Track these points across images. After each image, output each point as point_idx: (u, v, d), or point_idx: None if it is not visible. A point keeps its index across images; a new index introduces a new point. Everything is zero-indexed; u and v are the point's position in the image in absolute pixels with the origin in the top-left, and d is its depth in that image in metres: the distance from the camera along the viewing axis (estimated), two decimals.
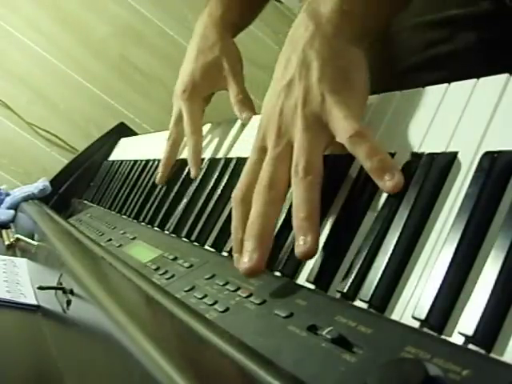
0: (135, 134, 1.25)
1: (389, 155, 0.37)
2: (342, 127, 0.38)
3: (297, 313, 0.34)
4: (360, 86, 0.42)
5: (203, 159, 0.69)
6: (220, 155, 0.68)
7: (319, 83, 0.40)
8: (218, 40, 0.74)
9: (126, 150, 1.16)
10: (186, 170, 0.71)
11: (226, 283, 0.42)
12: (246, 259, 0.39)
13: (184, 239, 0.59)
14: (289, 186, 0.41)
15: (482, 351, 0.25)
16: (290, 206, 0.44)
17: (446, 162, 0.34)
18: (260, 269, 0.39)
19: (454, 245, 0.29)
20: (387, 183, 0.36)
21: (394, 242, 0.33)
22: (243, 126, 0.67)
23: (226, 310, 0.38)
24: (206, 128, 0.76)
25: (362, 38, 0.43)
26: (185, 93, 0.75)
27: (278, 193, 0.41)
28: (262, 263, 0.39)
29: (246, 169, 0.45)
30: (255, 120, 0.65)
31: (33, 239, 0.77)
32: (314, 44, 0.42)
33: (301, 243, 0.37)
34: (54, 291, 0.50)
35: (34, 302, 0.60)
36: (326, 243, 0.38)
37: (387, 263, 0.32)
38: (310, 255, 0.37)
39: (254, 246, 0.39)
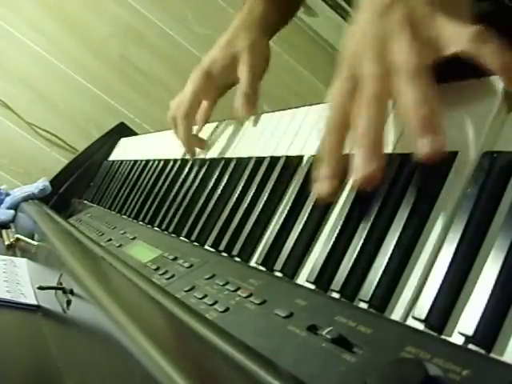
0: (135, 134, 1.25)
1: None
2: (458, 33, 0.36)
3: (297, 313, 0.34)
4: (466, 11, 0.39)
5: (203, 159, 0.69)
6: (220, 155, 0.68)
7: (426, 4, 0.38)
8: (250, 36, 0.72)
9: (126, 150, 1.16)
10: (186, 170, 0.71)
11: (226, 283, 0.42)
12: (361, 165, 0.35)
13: (184, 239, 0.59)
14: None
15: (482, 351, 0.25)
16: (290, 208, 0.44)
17: (447, 162, 0.34)
18: (380, 176, 0.35)
19: (454, 245, 0.29)
20: None
21: (394, 242, 0.33)
22: (243, 125, 0.67)
23: (226, 310, 0.38)
24: (206, 128, 0.76)
25: None
26: (197, 75, 0.73)
27: (385, 105, 0.38)
28: (382, 170, 0.35)
29: (336, 100, 0.40)
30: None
31: (33, 239, 0.77)
32: None
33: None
34: (54, 291, 0.50)
35: (34, 302, 0.60)
36: (326, 243, 0.38)
37: (387, 263, 0.32)
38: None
39: (372, 153, 0.35)
